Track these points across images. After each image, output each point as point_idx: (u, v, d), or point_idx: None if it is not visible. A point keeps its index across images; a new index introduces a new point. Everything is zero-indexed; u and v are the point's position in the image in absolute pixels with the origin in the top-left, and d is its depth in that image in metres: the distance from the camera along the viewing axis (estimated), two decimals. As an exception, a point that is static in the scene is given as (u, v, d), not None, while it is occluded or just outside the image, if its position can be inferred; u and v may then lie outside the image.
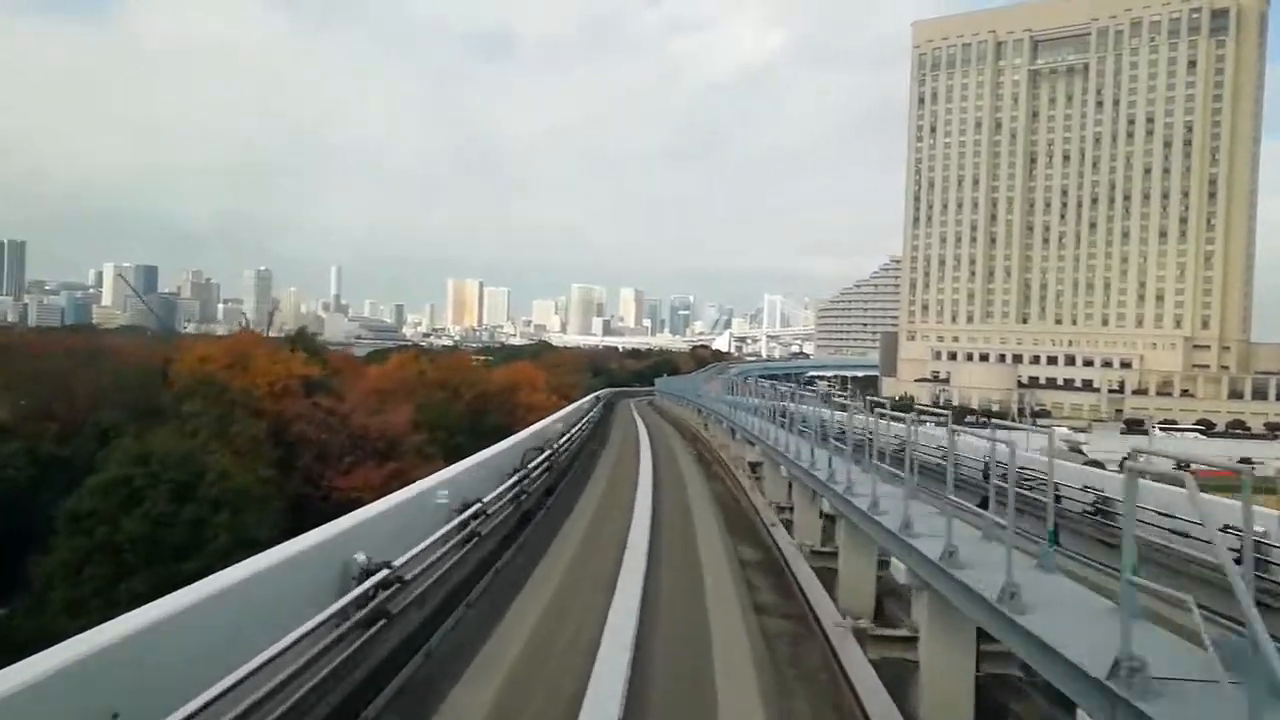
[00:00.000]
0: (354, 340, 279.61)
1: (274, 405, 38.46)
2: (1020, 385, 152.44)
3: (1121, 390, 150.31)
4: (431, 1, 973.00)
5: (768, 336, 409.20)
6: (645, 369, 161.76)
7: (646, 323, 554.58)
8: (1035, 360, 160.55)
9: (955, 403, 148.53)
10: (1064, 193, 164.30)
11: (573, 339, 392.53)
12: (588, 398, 49.72)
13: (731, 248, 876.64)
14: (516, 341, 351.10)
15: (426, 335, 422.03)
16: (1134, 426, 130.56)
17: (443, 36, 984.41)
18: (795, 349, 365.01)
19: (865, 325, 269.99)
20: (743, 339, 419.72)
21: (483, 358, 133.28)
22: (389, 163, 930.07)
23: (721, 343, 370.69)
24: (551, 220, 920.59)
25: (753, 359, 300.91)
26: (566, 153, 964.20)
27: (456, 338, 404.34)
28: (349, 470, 36.54)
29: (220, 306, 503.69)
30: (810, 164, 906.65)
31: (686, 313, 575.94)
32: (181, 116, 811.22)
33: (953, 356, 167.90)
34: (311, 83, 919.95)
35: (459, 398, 52.03)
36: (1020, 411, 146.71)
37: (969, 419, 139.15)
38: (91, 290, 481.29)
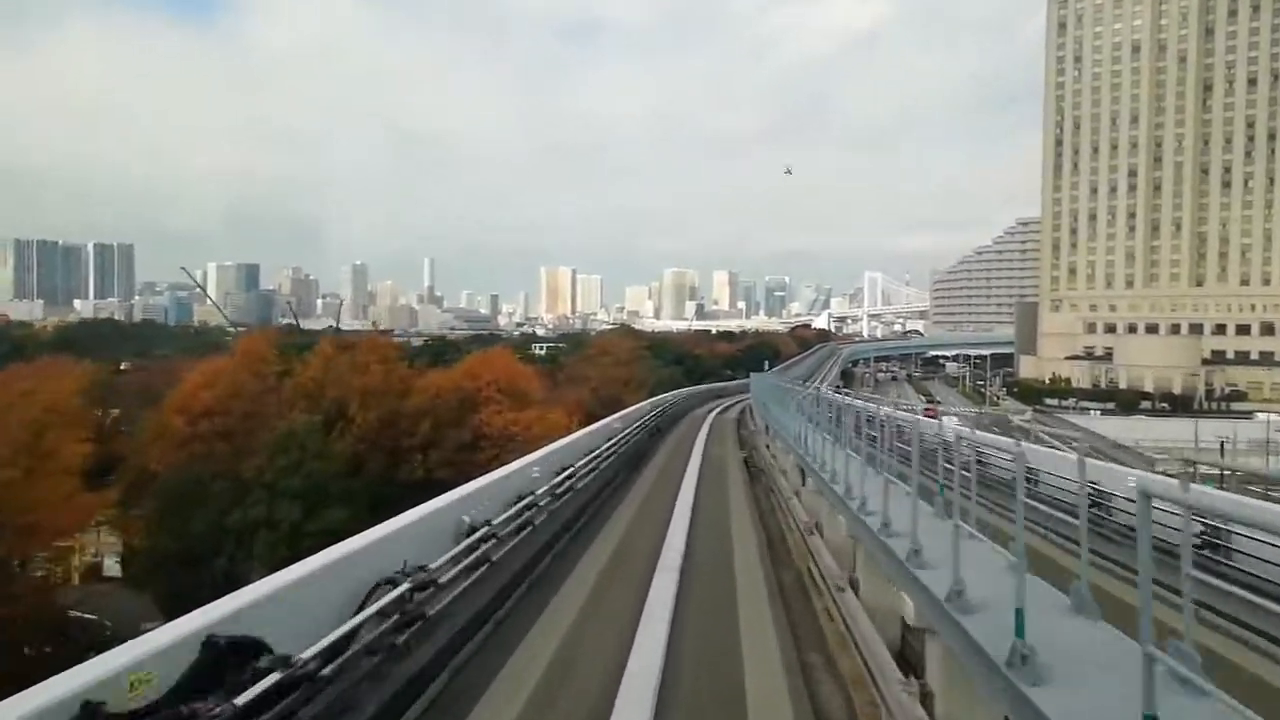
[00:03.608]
0: (448, 331, 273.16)
1: None
2: (1204, 362, 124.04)
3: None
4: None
5: (869, 315, 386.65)
6: (738, 353, 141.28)
7: (741, 305, 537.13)
8: (1219, 330, 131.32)
9: (1123, 385, 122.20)
10: (1249, 125, 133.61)
11: (665, 324, 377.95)
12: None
13: (827, 227, 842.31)
14: (607, 328, 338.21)
15: (520, 325, 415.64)
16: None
17: (533, 23, 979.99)
18: (898, 327, 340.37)
19: (989, 297, 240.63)
20: (842, 319, 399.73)
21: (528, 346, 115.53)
22: (483, 154, 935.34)
23: (820, 323, 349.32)
24: (644, 205, 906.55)
25: (858, 339, 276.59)
26: (658, 136, 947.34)
27: (549, 326, 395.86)
28: None
29: (319, 301, 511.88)
30: (908, 137, 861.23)
31: (782, 294, 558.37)
32: (283, 118, 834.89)
33: (1110, 329, 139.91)
34: (405, 77, 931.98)
35: (346, 424, 30.48)
36: (1209, 394, 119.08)
37: (1144, 405, 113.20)
38: (196, 290, 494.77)
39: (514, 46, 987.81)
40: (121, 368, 61.66)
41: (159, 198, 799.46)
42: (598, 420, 31.32)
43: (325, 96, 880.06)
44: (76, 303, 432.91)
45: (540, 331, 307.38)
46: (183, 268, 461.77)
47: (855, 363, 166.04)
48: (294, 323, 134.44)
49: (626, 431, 27.76)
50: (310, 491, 25.75)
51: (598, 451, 21.16)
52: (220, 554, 22.89)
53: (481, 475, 14.80)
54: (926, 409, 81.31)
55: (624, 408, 37.81)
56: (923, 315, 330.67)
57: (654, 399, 43.76)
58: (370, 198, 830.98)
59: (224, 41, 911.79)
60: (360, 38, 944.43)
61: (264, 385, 32.09)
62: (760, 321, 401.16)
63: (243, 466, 26.53)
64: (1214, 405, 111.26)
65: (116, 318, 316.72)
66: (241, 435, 28.54)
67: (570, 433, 26.31)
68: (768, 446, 27.79)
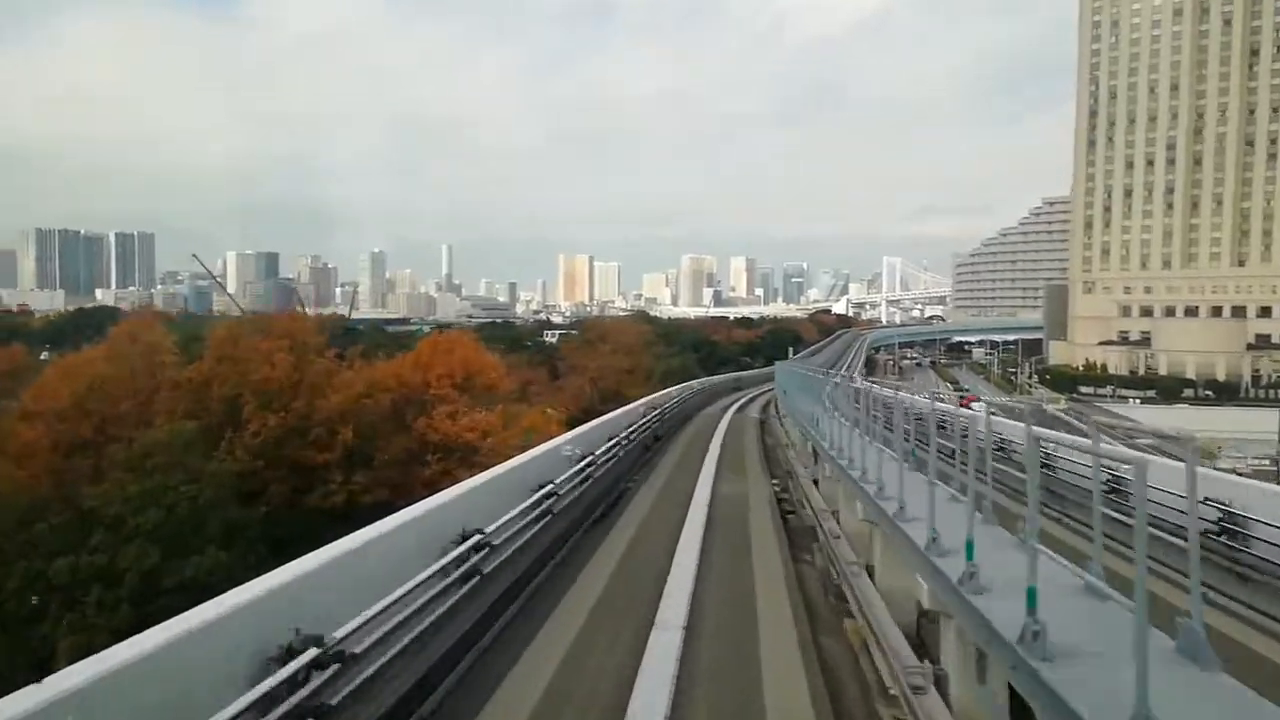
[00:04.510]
0: (464, 319, 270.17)
1: None
2: (1249, 347, 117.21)
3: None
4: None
5: (887, 301, 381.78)
6: (757, 339, 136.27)
7: (759, 292, 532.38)
8: (1264, 313, 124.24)
9: (1163, 371, 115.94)
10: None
11: (683, 310, 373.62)
12: None
13: (844, 213, 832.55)
14: (623, 314, 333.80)
15: (537, 312, 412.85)
16: None
17: (546, 5, 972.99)
18: (916, 313, 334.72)
19: (1014, 281, 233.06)
20: (860, 305, 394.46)
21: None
22: (500, 143, 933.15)
23: (839, 309, 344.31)
24: (662, 193, 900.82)
25: (878, 325, 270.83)
26: (675, 124, 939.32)
27: (567, 314, 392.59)
28: None
29: (337, 290, 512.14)
30: (925, 119, 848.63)
31: (800, 280, 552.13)
32: (304, 106, 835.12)
33: (1147, 312, 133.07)
34: (423, 64, 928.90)
35: (237, 432, 22.84)
36: (1255, 380, 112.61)
37: (1186, 392, 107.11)
38: (219, 278, 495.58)
39: (528, 31, 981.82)
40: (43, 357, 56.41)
41: (181, 187, 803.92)
42: (599, 415, 23.35)
43: (345, 84, 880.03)
44: (98, 292, 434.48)
45: (557, 319, 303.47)
46: (194, 255, 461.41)
47: (877, 349, 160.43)
48: (303, 310, 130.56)
49: (586, 462, 16.28)
50: (175, 527, 19.00)
51: (507, 522, 11.09)
52: (44, 617, 17.04)
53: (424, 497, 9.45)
54: (962, 400, 76.47)
55: (626, 402, 31.11)
56: (942, 301, 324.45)
57: (649, 398, 33.65)
58: (390, 186, 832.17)
59: (242, 29, 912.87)
60: (376, 24, 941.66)
61: (152, 382, 25.09)
62: (778, 308, 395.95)
63: (85, 494, 19.69)
64: (1261, 393, 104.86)
65: (135, 307, 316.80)
66: (102, 447, 21.42)
67: (548, 439, 18.54)
68: (816, 482, 17.23)
